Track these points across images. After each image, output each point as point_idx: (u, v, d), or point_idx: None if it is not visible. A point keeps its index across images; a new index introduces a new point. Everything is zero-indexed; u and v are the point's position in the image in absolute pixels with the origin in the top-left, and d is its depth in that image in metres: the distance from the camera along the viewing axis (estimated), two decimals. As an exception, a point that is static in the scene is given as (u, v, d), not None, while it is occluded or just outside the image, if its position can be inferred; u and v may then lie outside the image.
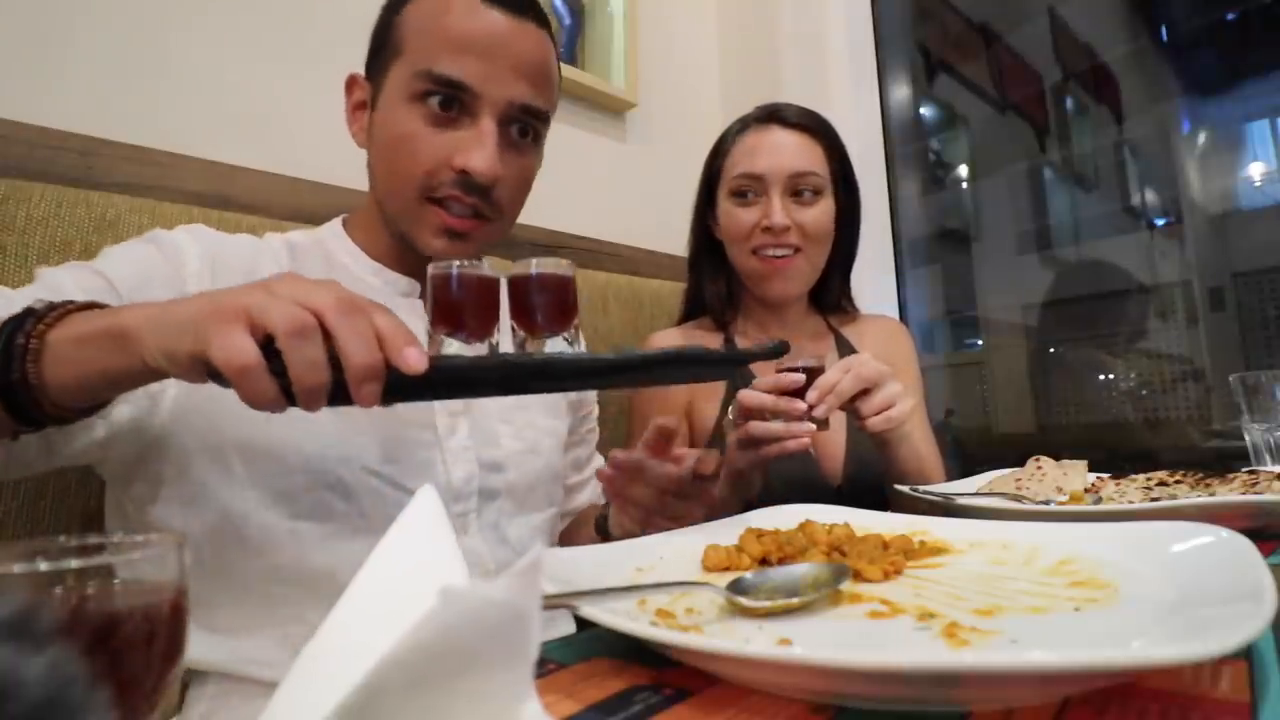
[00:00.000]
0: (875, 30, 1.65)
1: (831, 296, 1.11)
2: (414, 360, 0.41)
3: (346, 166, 0.75)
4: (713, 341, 1.06)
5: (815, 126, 1.02)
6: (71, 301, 0.46)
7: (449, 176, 0.64)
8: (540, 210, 1.25)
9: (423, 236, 0.66)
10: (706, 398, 1.02)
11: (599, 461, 0.96)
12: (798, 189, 0.99)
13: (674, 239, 1.53)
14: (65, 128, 0.78)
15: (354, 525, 0.60)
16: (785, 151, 0.99)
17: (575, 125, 1.41)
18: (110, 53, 0.86)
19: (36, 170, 0.74)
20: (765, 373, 0.79)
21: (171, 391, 0.57)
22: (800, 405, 0.73)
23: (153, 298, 0.52)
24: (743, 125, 1.05)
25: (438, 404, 0.67)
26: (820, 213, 1.00)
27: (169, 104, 0.90)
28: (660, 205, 1.56)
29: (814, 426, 0.73)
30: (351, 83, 0.71)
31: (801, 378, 0.73)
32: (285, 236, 0.71)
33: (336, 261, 0.70)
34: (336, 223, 0.74)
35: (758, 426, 0.73)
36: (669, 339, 1.07)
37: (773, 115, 1.03)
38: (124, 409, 0.55)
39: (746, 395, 0.74)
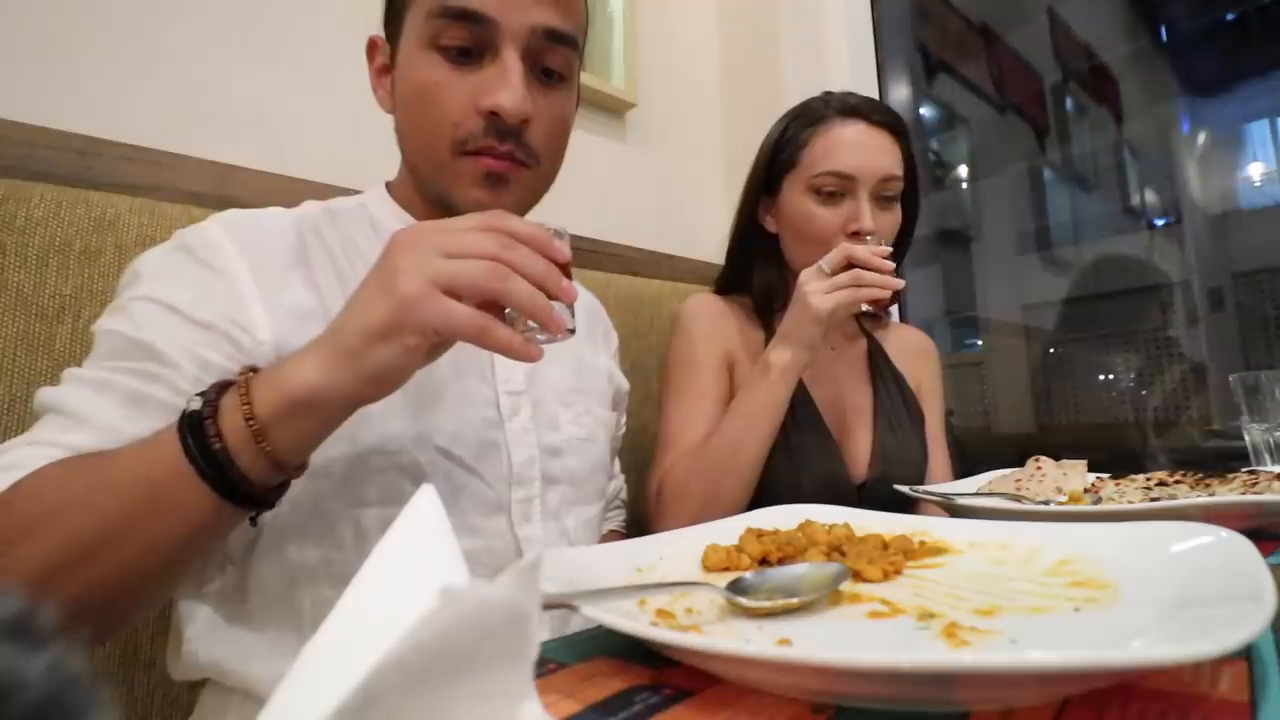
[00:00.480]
0: (875, 30, 1.65)
1: None
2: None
3: (346, 166, 0.75)
4: (751, 323, 1.03)
5: (897, 125, 0.97)
6: (220, 385, 0.45)
7: (478, 125, 0.59)
8: (540, 210, 1.25)
9: (460, 189, 0.61)
10: (746, 365, 0.99)
11: (617, 464, 0.95)
12: (882, 193, 0.94)
13: (674, 239, 1.53)
14: (65, 128, 0.78)
15: None
16: (876, 152, 0.94)
17: (575, 125, 1.40)
18: (110, 53, 0.86)
19: (36, 170, 0.74)
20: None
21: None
22: (892, 265, 0.81)
23: (212, 311, 0.53)
24: (817, 117, 0.97)
25: (500, 383, 0.64)
26: (895, 220, 0.97)
27: (169, 104, 0.90)
28: (660, 205, 1.56)
29: (903, 283, 0.82)
30: (372, 47, 0.67)
31: (890, 250, 0.84)
32: (325, 204, 0.67)
33: (382, 225, 0.66)
34: (380, 187, 0.71)
35: (866, 273, 0.80)
36: (715, 301, 1.03)
37: (855, 110, 0.96)
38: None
39: (855, 250, 0.81)
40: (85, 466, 0.45)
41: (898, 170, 0.95)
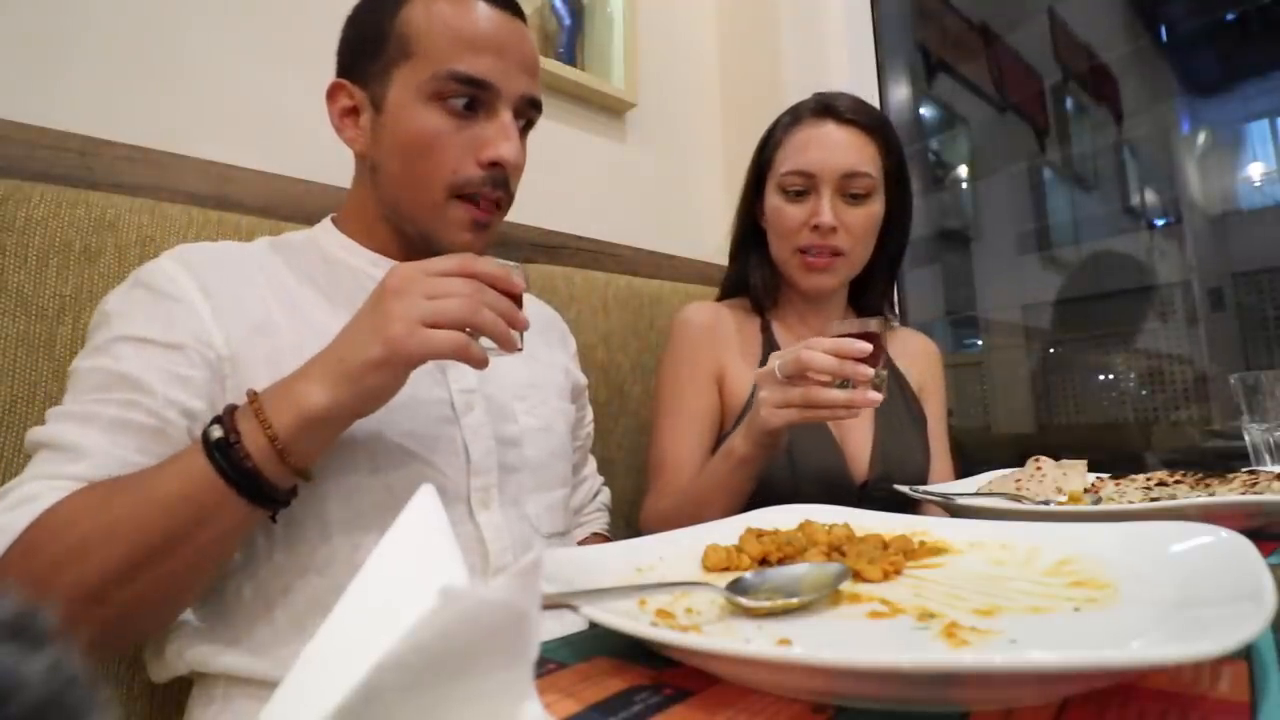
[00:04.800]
0: (875, 30, 1.65)
1: (873, 299, 1.09)
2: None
3: (346, 166, 0.75)
4: (749, 323, 1.05)
5: (871, 124, 0.98)
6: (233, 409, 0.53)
7: (476, 173, 0.66)
8: (540, 210, 1.25)
9: (449, 233, 0.68)
10: (740, 369, 1.01)
11: (593, 463, 0.97)
12: (848, 189, 0.96)
13: (674, 239, 1.53)
14: (65, 128, 0.78)
15: (378, 500, 0.61)
16: (838, 150, 0.96)
17: (575, 125, 1.41)
18: (110, 53, 0.86)
19: (36, 170, 0.74)
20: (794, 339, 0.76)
21: (230, 380, 0.60)
22: (868, 371, 0.70)
23: (180, 333, 0.58)
24: (795, 117, 1.01)
25: (452, 383, 0.69)
26: (868, 215, 0.97)
27: (169, 104, 0.90)
28: (660, 205, 1.56)
29: (880, 397, 0.71)
30: (337, 90, 0.70)
31: (868, 346, 0.70)
32: (274, 239, 0.72)
33: (333, 257, 0.71)
34: (327, 221, 0.75)
35: (818, 392, 0.70)
36: (706, 311, 1.05)
37: (828, 109, 0.99)
38: (197, 404, 0.58)
39: (810, 356, 0.70)
40: (118, 490, 0.51)
41: (865, 167, 0.96)
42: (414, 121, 0.65)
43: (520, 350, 0.57)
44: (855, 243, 0.98)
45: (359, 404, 0.53)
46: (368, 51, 0.68)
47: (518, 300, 0.57)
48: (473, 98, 0.66)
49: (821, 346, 0.71)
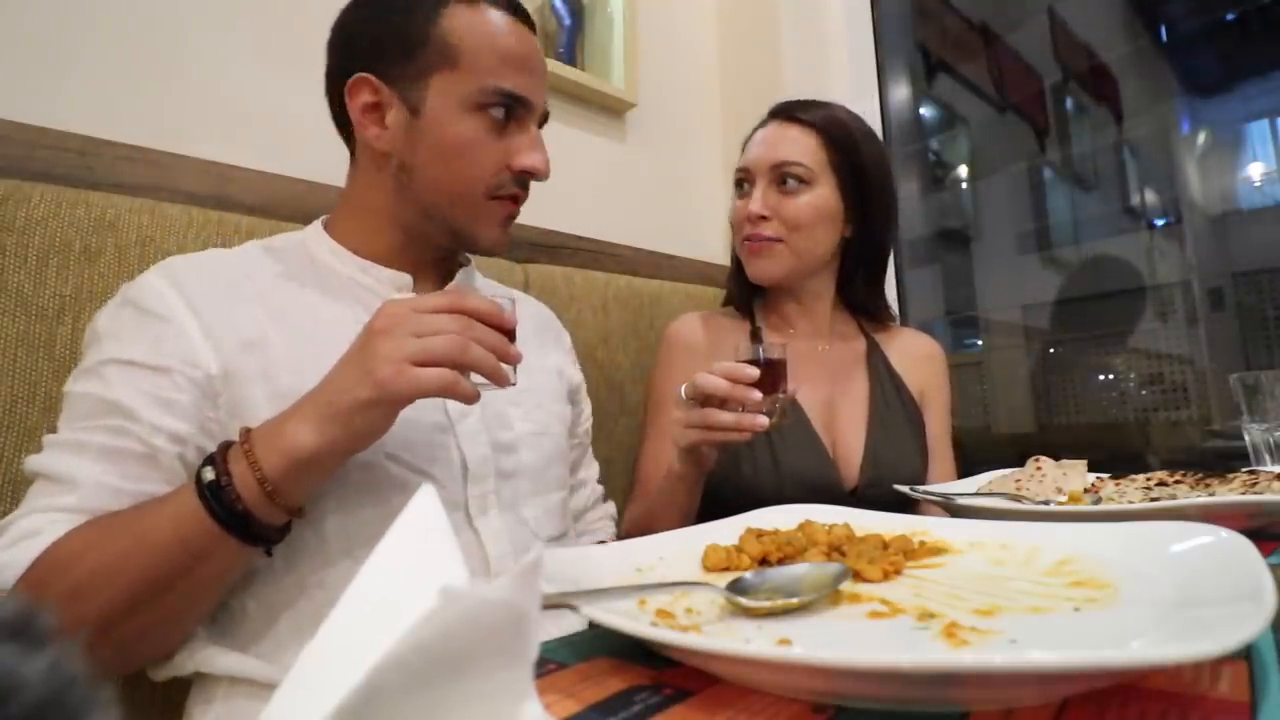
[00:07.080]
0: (875, 30, 1.65)
1: (859, 297, 1.10)
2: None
3: (345, 167, 0.74)
4: (739, 330, 1.07)
5: (810, 118, 1.01)
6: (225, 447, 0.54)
7: (508, 177, 0.70)
8: (540, 210, 1.25)
9: (486, 230, 0.71)
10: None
11: (595, 467, 0.96)
12: (782, 179, 1.00)
13: (674, 239, 1.53)
14: (65, 128, 0.78)
15: (374, 513, 0.61)
16: (772, 144, 1.01)
17: (575, 125, 1.41)
18: (110, 53, 0.86)
19: (36, 170, 0.74)
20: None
21: (224, 398, 0.60)
22: (755, 396, 0.72)
23: (166, 355, 0.58)
24: (759, 122, 1.08)
25: None
26: (803, 204, 0.99)
27: (169, 104, 0.90)
28: (660, 205, 1.56)
29: (766, 422, 0.72)
30: (362, 85, 0.67)
31: (756, 372, 0.73)
32: (264, 242, 0.71)
33: (321, 262, 0.70)
34: (317, 224, 0.74)
35: (711, 415, 0.73)
36: (691, 323, 1.07)
37: (778, 110, 1.05)
38: (183, 427, 0.58)
39: (704, 380, 0.73)
40: (117, 528, 0.53)
41: (796, 158, 0.99)
42: (456, 129, 0.67)
43: (513, 384, 0.57)
44: (792, 230, 1.00)
45: (349, 444, 0.53)
46: (399, 51, 0.66)
47: (510, 334, 0.56)
48: (508, 110, 0.69)
49: (717, 370, 0.73)
